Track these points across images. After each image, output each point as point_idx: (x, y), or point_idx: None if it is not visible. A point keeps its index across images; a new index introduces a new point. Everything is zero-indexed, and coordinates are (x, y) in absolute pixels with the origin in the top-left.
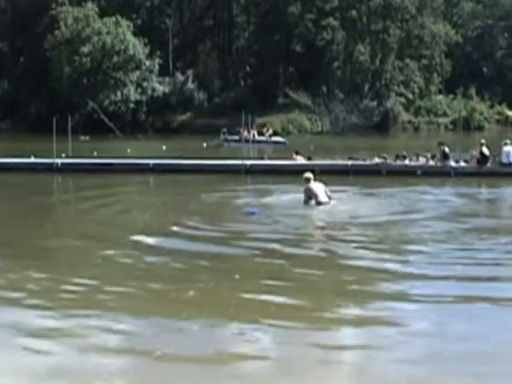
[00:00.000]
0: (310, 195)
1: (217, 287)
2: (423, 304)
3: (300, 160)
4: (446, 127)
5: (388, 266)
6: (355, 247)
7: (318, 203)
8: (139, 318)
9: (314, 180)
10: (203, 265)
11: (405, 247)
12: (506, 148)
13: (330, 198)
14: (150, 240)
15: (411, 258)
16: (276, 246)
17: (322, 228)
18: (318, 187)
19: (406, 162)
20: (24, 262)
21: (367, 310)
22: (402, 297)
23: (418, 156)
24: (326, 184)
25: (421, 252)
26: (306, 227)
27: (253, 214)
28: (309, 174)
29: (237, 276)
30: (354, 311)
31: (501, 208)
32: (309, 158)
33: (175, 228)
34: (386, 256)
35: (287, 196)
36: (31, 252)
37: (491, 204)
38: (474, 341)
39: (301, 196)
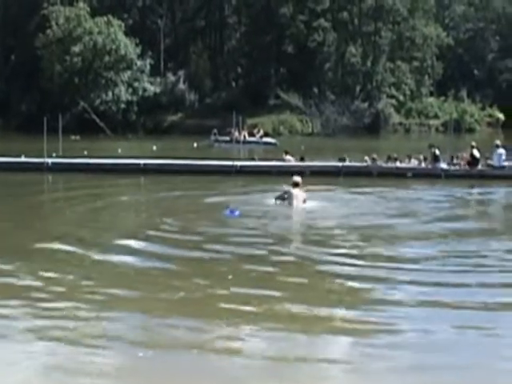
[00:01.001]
0: (286, 197)
1: (196, 294)
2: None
3: (290, 160)
4: (436, 129)
5: (372, 273)
6: (339, 253)
7: (290, 204)
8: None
9: (299, 187)
10: (180, 270)
11: (389, 254)
12: (500, 150)
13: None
14: (129, 243)
15: (395, 268)
16: (256, 250)
17: (305, 231)
18: (299, 195)
19: (398, 163)
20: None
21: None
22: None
23: (410, 158)
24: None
25: (405, 259)
26: (290, 230)
27: (233, 214)
28: (298, 179)
29: (230, 276)
30: (338, 323)
31: (490, 210)
32: (301, 159)
33: (154, 231)
34: (370, 264)
35: (272, 196)
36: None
37: (480, 206)
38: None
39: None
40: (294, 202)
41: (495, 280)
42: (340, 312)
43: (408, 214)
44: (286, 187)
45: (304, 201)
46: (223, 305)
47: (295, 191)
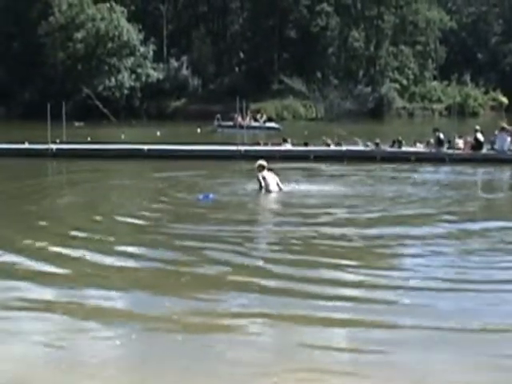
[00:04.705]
0: (262, 184)
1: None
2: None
3: (287, 146)
4: (440, 113)
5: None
6: (310, 249)
7: (268, 191)
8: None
9: (268, 169)
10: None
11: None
12: (505, 134)
13: (280, 189)
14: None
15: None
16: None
17: (280, 223)
18: (270, 177)
19: (404, 148)
20: None
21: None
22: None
23: (415, 142)
24: (278, 175)
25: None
26: (260, 226)
27: (206, 198)
28: (262, 162)
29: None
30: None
31: (491, 197)
32: (305, 144)
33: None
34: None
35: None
36: None
37: (482, 191)
38: None
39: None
40: (271, 187)
41: None
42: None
43: (403, 199)
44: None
45: (278, 183)
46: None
47: (266, 174)
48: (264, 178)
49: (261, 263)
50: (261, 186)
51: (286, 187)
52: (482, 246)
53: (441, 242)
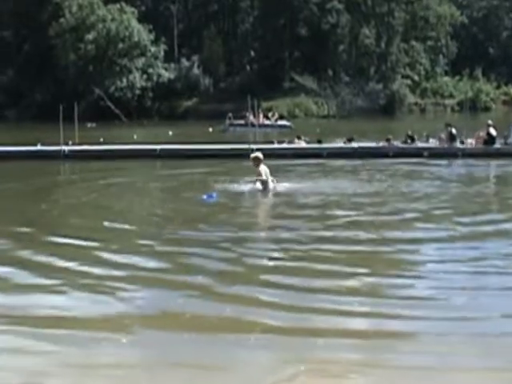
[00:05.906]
0: (262, 178)
1: None
2: None
3: (301, 144)
4: (452, 109)
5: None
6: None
7: (265, 188)
8: None
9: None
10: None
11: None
12: None
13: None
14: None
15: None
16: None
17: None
18: (266, 171)
19: (418, 143)
20: None
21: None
22: None
23: (427, 137)
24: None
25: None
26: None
27: (210, 198)
28: (259, 154)
29: None
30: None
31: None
32: (319, 141)
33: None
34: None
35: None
36: None
37: (498, 187)
38: None
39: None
40: (270, 185)
41: None
42: None
43: (413, 199)
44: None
45: (272, 180)
46: None
47: (263, 169)
48: (260, 172)
49: (260, 290)
50: (263, 184)
51: (295, 185)
52: (503, 251)
53: (458, 246)
